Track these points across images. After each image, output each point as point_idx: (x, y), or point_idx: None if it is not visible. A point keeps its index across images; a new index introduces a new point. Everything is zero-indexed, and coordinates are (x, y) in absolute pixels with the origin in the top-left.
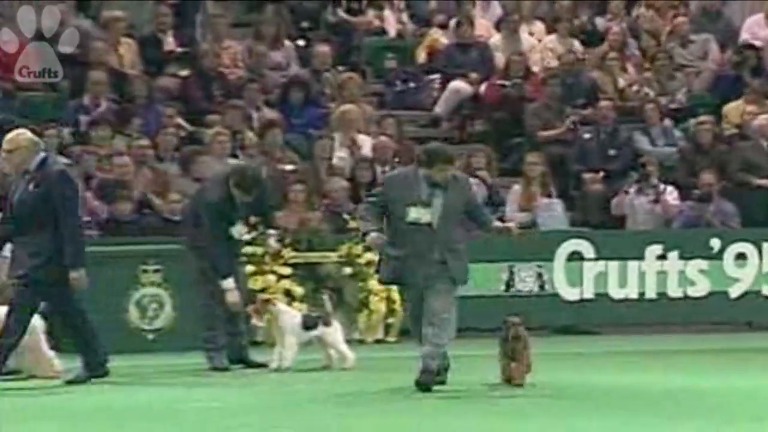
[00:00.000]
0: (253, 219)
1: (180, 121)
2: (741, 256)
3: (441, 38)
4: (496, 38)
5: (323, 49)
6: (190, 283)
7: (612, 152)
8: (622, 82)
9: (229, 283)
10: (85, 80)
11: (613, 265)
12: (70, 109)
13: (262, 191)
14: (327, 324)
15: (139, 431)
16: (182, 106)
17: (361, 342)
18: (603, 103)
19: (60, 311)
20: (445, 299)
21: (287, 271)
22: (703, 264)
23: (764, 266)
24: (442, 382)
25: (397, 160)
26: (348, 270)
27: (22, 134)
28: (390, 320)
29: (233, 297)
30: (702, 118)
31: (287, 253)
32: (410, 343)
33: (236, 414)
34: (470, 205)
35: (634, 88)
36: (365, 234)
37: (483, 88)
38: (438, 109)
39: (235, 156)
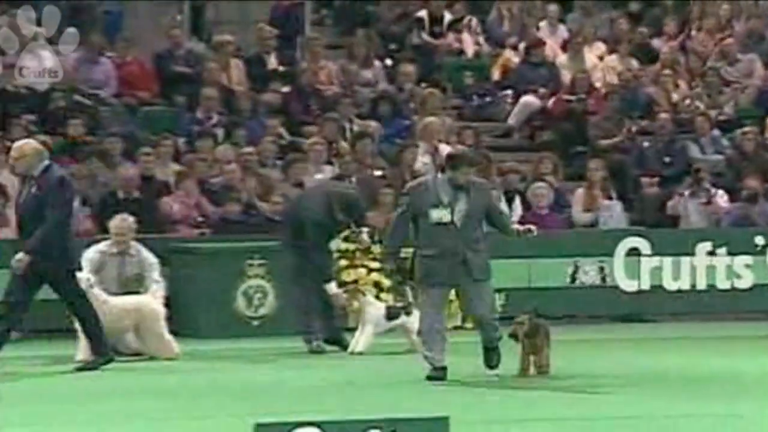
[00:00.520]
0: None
1: (281, 131)
2: None
3: (513, 58)
4: (562, 58)
5: (408, 68)
6: (288, 276)
7: (667, 159)
8: (675, 97)
9: (332, 287)
10: (198, 96)
11: (667, 260)
12: (185, 121)
13: (360, 210)
14: (408, 313)
15: (245, 406)
16: (283, 118)
17: None
18: (660, 116)
19: (66, 301)
20: (485, 301)
21: (376, 265)
22: (749, 259)
23: None
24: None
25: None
26: None
27: (28, 144)
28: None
29: (339, 300)
30: (747, 128)
31: (376, 249)
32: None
33: (330, 391)
34: (491, 209)
35: (686, 102)
36: (389, 253)
37: (551, 102)
38: (510, 121)
39: (330, 163)
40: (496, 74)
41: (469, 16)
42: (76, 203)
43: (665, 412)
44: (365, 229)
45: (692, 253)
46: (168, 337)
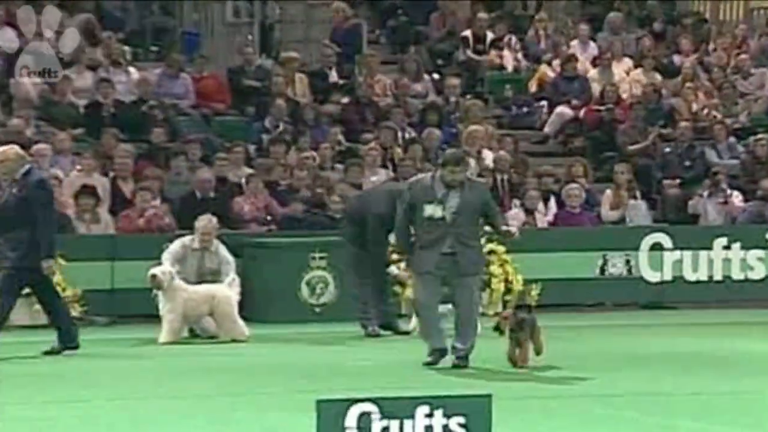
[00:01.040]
0: None
1: (340, 138)
2: None
3: (548, 72)
4: (592, 72)
5: (454, 81)
6: (348, 267)
7: (687, 163)
8: (694, 107)
9: (393, 269)
10: (267, 107)
11: (687, 254)
12: (255, 130)
13: None
14: None
15: (308, 384)
16: (342, 126)
17: (483, 314)
18: (681, 124)
19: (40, 294)
20: (468, 295)
21: None
22: (761, 253)
23: None
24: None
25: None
26: None
27: (10, 149)
28: (507, 297)
29: (402, 276)
30: (760, 135)
31: None
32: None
33: (384, 371)
34: (486, 207)
35: (705, 111)
36: (403, 251)
37: (582, 112)
38: (546, 129)
39: (384, 166)
40: (533, 87)
41: (509, 35)
42: (156, 201)
43: (686, 389)
44: None
45: (710, 248)
46: (240, 321)
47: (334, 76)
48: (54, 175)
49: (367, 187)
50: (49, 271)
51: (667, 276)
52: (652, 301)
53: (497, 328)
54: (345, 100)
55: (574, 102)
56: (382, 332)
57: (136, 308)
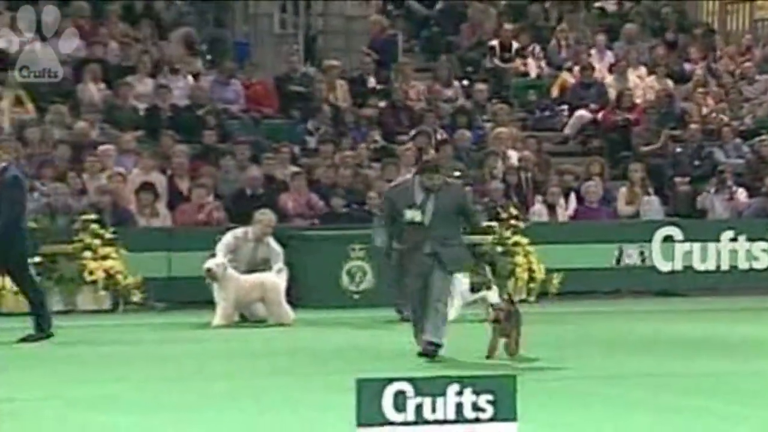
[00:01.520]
0: None
1: (377, 139)
2: None
3: (569, 79)
4: (609, 79)
5: (482, 87)
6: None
7: (696, 162)
8: (704, 111)
9: None
10: (310, 110)
11: (697, 245)
12: (300, 131)
13: None
14: (488, 288)
15: (348, 364)
16: (379, 128)
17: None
18: (691, 126)
19: (16, 283)
20: (442, 287)
21: None
22: (765, 245)
23: None
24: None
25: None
26: (500, 248)
27: None
28: (531, 285)
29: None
30: (763, 136)
31: None
32: (544, 302)
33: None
34: (461, 207)
35: (713, 114)
36: (384, 253)
37: (600, 115)
38: (566, 131)
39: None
40: (554, 92)
41: (532, 45)
42: (210, 197)
43: (696, 370)
44: None
45: (717, 240)
46: (287, 307)
47: (372, 82)
48: (118, 173)
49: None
50: None
51: (678, 266)
52: (664, 289)
53: (496, 320)
54: (382, 104)
55: (593, 106)
56: None
57: (191, 295)
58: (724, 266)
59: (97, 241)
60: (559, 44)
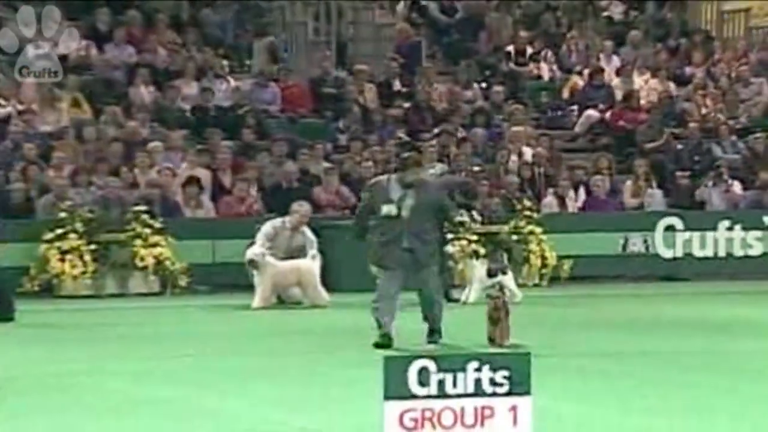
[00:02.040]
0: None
1: (402, 136)
2: None
3: (579, 81)
4: (616, 81)
5: (499, 89)
6: None
7: (696, 158)
8: (703, 111)
9: (448, 248)
10: (342, 111)
11: (696, 234)
12: (332, 130)
13: (474, 193)
14: (504, 273)
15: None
16: (404, 127)
17: (523, 285)
18: (691, 125)
19: None
20: (429, 282)
21: (475, 237)
22: (759, 234)
23: None
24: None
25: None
26: (515, 237)
27: None
28: (543, 271)
29: (454, 256)
30: (758, 134)
31: (475, 226)
32: (556, 286)
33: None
34: (439, 205)
35: (711, 114)
36: (356, 237)
37: (608, 115)
38: (576, 129)
39: (440, 161)
40: (565, 93)
41: (545, 50)
42: (253, 190)
43: (695, 348)
44: (474, 212)
45: (715, 229)
46: (321, 290)
47: (397, 84)
48: (166, 168)
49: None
50: None
51: (679, 253)
52: (666, 274)
53: (496, 309)
54: (407, 105)
55: (600, 106)
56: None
57: (233, 279)
58: (721, 253)
59: (147, 230)
60: (569, 50)
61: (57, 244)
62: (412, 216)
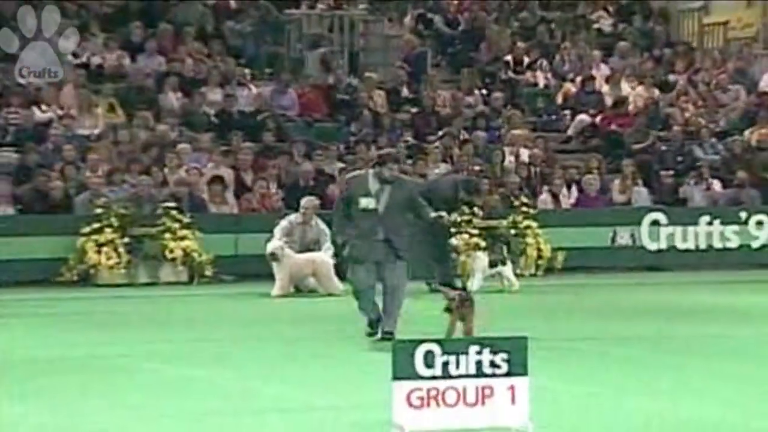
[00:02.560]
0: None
1: (409, 139)
2: (759, 223)
3: (572, 88)
4: (605, 88)
5: (498, 95)
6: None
7: (679, 158)
8: (685, 115)
9: (453, 240)
10: (354, 115)
11: (679, 228)
12: (345, 133)
13: (478, 190)
14: (503, 264)
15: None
16: (411, 130)
17: (520, 275)
18: (674, 128)
19: None
20: (399, 275)
21: (476, 231)
22: (736, 228)
23: None
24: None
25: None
26: (513, 231)
27: None
28: (539, 262)
29: (458, 248)
30: (736, 137)
31: (476, 221)
32: (550, 276)
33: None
34: (412, 202)
35: (693, 118)
36: (337, 242)
37: (598, 119)
38: (569, 132)
39: (444, 161)
40: (559, 99)
41: (540, 59)
42: (273, 188)
43: (679, 333)
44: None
45: (696, 224)
46: (335, 280)
47: (405, 91)
48: (193, 168)
49: (431, 176)
50: None
51: (663, 245)
52: (651, 265)
53: (447, 309)
54: (414, 110)
55: (591, 111)
56: (443, 289)
57: (254, 269)
58: (702, 246)
59: (176, 225)
60: (563, 59)
61: (94, 237)
62: (386, 211)
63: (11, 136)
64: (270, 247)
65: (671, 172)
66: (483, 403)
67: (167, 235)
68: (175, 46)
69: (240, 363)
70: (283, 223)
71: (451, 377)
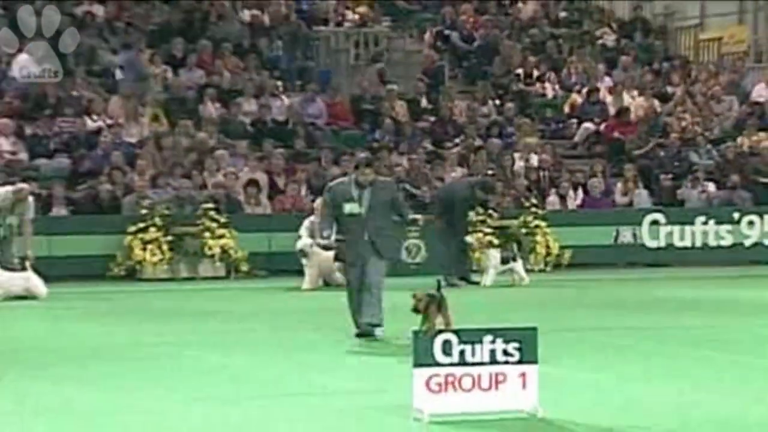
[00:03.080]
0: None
1: (427, 145)
2: (751, 222)
3: (578, 98)
4: (609, 99)
5: (510, 105)
6: (436, 236)
7: (676, 163)
8: (683, 123)
9: (469, 238)
10: (378, 124)
11: (677, 228)
12: (369, 140)
13: (494, 190)
14: (515, 260)
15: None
16: (429, 137)
17: (530, 271)
18: (672, 136)
19: None
20: (377, 272)
21: (489, 230)
22: (729, 227)
23: (765, 228)
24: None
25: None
26: (524, 230)
27: None
28: (548, 258)
29: (474, 245)
30: (729, 143)
31: (490, 220)
32: (558, 272)
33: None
34: (394, 202)
35: (690, 126)
36: (328, 238)
37: (602, 127)
38: (575, 139)
39: (460, 165)
40: (566, 109)
41: (549, 72)
42: (303, 190)
43: (678, 324)
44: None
45: (692, 223)
46: (337, 273)
47: (424, 102)
48: (231, 172)
49: (448, 180)
50: None
51: (662, 243)
52: (651, 262)
53: (415, 309)
54: (432, 118)
55: (596, 120)
56: (459, 283)
57: (286, 265)
58: (698, 244)
59: (214, 224)
60: (570, 72)
61: (139, 236)
62: (369, 213)
63: (65, 144)
64: (300, 244)
65: (670, 176)
66: (496, 388)
67: (206, 234)
68: (214, 61)
69: (272, 350)
70: (306, 223)
71: (467, 364)
